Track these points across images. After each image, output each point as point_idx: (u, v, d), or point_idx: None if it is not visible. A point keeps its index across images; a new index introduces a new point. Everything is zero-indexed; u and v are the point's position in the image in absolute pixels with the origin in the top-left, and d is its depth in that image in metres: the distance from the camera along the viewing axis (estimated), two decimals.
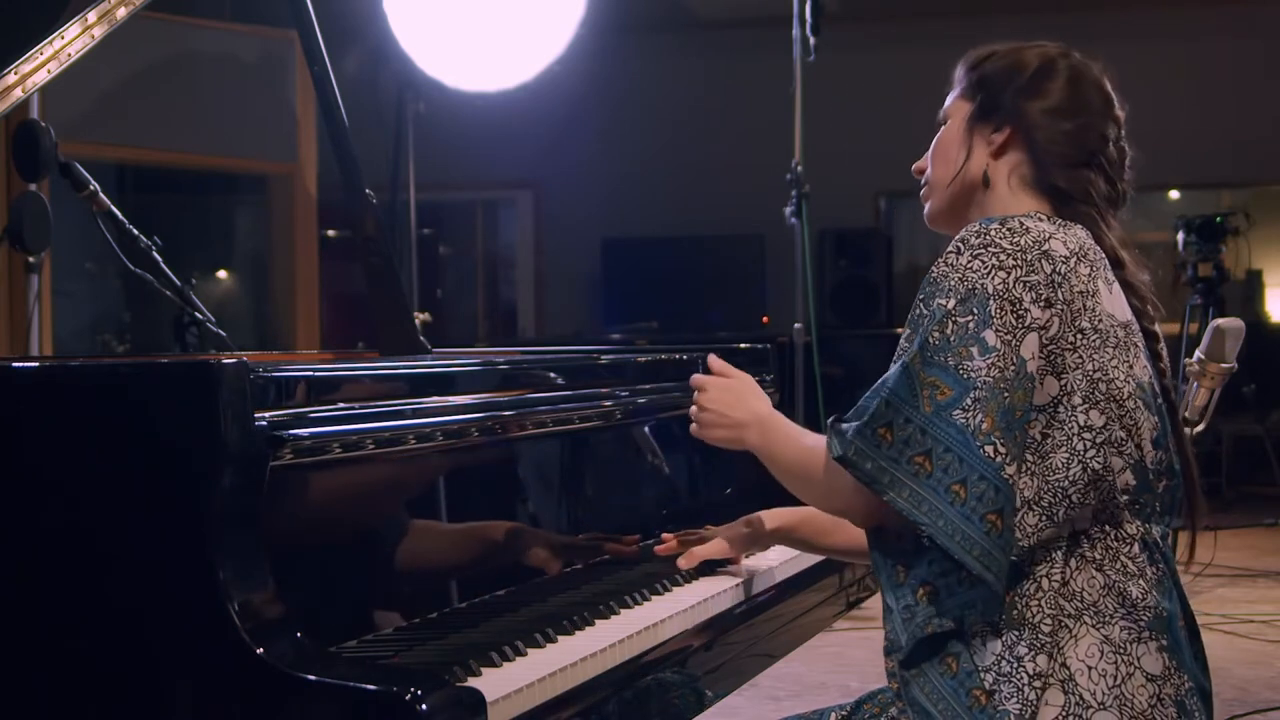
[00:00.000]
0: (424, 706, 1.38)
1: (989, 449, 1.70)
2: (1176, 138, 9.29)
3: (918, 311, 1.80)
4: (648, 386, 2.48)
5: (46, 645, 1.50)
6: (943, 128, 2.01)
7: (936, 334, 1.74)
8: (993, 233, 1.79)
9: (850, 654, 4.67)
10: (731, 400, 2.05)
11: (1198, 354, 3.68)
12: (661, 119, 9.66)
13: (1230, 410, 6.60)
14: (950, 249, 1.80)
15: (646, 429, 2.50)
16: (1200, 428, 3.79)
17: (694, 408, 2.09)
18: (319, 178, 6.44)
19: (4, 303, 4.94)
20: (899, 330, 1.85)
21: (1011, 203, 1.92)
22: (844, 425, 1.78)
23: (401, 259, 6.36)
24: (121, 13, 2.38)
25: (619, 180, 9.69)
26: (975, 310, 1.74)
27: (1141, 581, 1.79)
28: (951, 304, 1.75)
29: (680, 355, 2.65)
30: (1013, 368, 1.72)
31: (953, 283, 1.77)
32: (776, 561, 2.40)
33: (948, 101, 2.02)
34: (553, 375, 2.27)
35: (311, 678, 1.42)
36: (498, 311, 10.85)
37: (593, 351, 2.70)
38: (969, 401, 1.71)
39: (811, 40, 5.66)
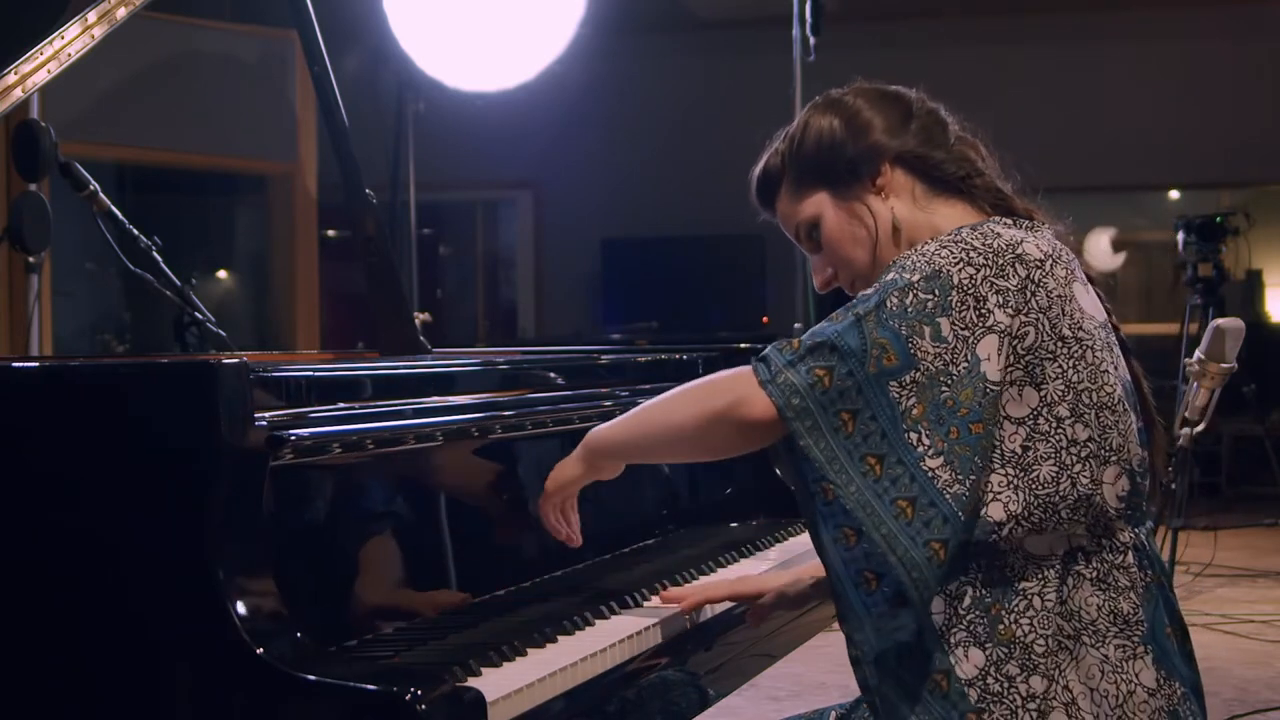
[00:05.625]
0: (424, 706, 1.38)
1: (913, 436, 1.68)
2: (1176, 138, 9.30)
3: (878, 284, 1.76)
4: (648, 387, 2.48)
5: (46, 645, 1.50)
6: (817, 230, 1.94)
7: (895, 299, 1.71)
8: (964, 233, 1.78)
9: None
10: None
11: (1198, 354, 3.68)
12: (661, 119, 9.66)
13: (1230, 410, 6.59)
14: (921, 243, 1.79)
15: None
16: (1200, 428, 3.80)
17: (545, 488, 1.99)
18: (319, 178, 6.44)
19: (4, 303, 4.94)
20: None
21: (935, 215, 1.90)
22: (774, 354, 1.72)
23: (401, 259, 6.36)
24: (121, 13, 2.38)
25: (619, 180, 9.69)
26: (936, 292, 1.71)
27: (1132, 595, 1.76)
28: (915, 278, 1.72)
29: (680, 355, 2.65)
30: (964, 364, 1.69)
31: (917, 262, 1.75)
32: (776, 561, 2.39)
33: (792, 215, 1.96)
34: (553, 375, 2.27)
35: (311, 678, 1.42)
36: (498, 311, 10.85)
37: (593, 351, 2.70)
38: (907, 379, 1.68)
39: (811, 40, 5.66)
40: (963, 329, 1.70)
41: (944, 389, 1.68)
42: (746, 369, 1.75)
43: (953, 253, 1.74)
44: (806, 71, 5.73)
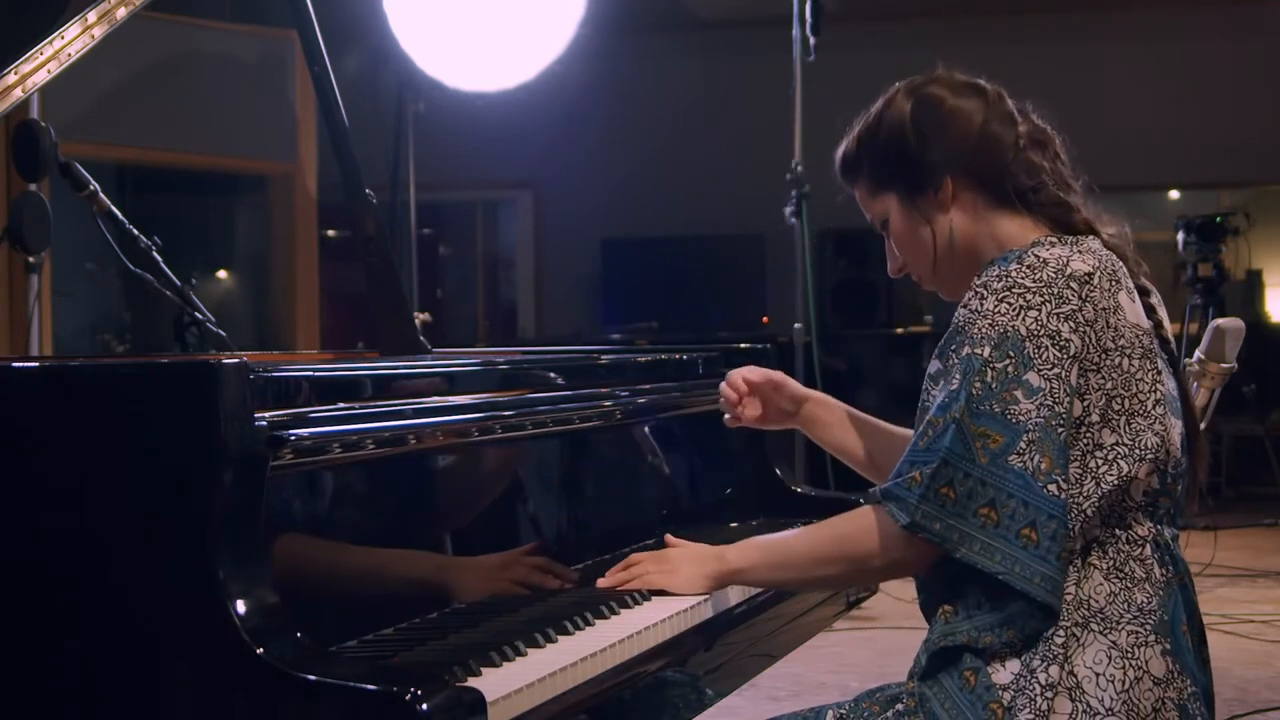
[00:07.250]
0: (424, 706, 1.38)
1: (1052, 487, 1.72)
2: (1176, 138, 9.29)
3: (950, 362, 1.79)
4: (648, 386, 2.48)
5: (46, 645, 1.50)
6: (890, 228, 2.00)
7: (978, 384, 1.75)
8: (1013, 273, 1.79)
9: (850, 654, 4.67)
10: (683, 550, 2.05)
11: (1198, 354, 3.67)
12: (661, 119, 9.65)
13: (1230, 410, 6.60)
14: (973, 294, 1.81)
15: (646, 429, 2.50)
16: (1200, 428, 3.79)
17: (651, 573, 2.02)
18: (319, 178, 6.43)
19: (4, 303, 4.94)
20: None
21: (996, 228, 1.91)
22: (901, 492, 1.77)
23: (401, 259, 6.36)
24: (121, 13, 2.38)
25: (619, 180, 9.68)
26: (1012, 354, 1.75)
27: (1148, 586, 1.79)
28: (986, 351, 1.76)
29: (680, 355, 2.65)
30: (1068, 399, 1.74)
31: (983, 330, 1.77)
32: None
33: (867, 207, 2.03)
34: (553, 375, 2.27)
35: (311, 678, 1.41)
36: (498, 311, 10.85)
37: (593, 351, 2.70)
38: (1023, 445, 1.72)
39: (811, 40, 5.66)
40: (1051, 368, 1.75)
41: (1060, 429, 1.74)
42: (871, 514, 1.82)
43: (1010, 304, 1.77)
44: (806, 71, 5.73)
